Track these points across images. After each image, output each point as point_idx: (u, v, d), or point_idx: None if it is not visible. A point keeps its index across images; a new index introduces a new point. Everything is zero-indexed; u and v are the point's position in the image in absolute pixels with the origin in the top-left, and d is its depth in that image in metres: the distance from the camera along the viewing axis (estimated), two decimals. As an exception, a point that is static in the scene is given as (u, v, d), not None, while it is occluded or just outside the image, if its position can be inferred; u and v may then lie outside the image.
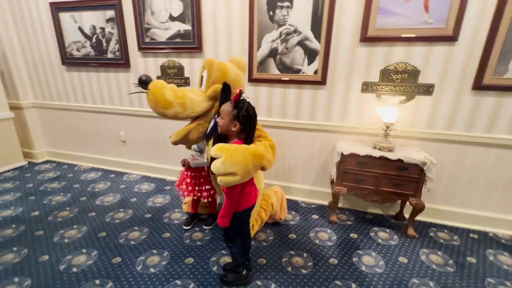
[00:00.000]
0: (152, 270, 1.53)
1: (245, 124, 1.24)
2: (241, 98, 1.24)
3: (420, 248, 1.76)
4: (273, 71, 2.07)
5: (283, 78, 2.06)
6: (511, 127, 1.75)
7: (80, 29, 2.48)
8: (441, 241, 1.84)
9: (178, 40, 2.22)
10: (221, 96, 1.45)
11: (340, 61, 1.92)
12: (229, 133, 1.28)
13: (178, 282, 1.45)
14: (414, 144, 1.94)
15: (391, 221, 2.06)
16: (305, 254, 1.68)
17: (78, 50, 2.57)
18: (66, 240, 1.77)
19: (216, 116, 1.49)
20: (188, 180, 1.77)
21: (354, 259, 1.64)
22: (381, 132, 1.85)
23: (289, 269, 1.56)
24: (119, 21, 2.33)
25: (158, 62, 2.38)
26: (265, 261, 1.62)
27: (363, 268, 1.58)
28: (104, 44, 2.47)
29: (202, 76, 1.57)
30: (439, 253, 1.72)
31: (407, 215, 2.03)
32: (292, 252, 1.70)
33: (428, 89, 1.82)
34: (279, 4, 1.91)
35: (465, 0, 1.59)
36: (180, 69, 2.33)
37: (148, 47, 2.33)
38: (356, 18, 1.80)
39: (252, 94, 2.19)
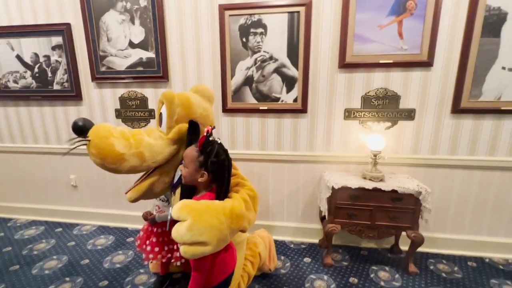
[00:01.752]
0: None
1: (215, 173, 0.98)
2: (210, 139, 1.00)
3: (425, 287, 1.59)
4: (250, 100, 1.90)
5: (261, 107, 1.89)
6: (491, 149, 1.75)
7: (19, 57, 2.11)
8: (444, 275, 1.69)
9: (140, 68, 1.97)
10: (188, 137, 1.18)
11: (320, 88, 1.82)
12: (196, 184, 1.02)
13: None
14: (401, 170, 1.85)
15: (388, 256, 1.89)
16: (304, 315, 1.40)
17: (15, 82, 2.16)
18: None
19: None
20: (154, 239, 1.42)
21: (361, 313, 1.40)
22: (369, 160, 1.73)
23: None
24: (68, 48, 2.01)
25: (116, 93, 2.07)
26: (257, 332, 1.30)
27: (373, 324, 1.34)
28: (49, 74, 2.11)
29: (160, 113, 1.27)
30: (446, 291, 1.56)
31: (402, 247, 1.89)
32: (289, 314, 1.41)
33: (409, 114, 1.78)
34: (252, 30, 1.79)
35: (436, 27, 1.62)
36: (143, 100, 2.05)
37: (104, 76, 2.03)
38: (333, 45, 1.74)
39: (227, 125, 1.98)
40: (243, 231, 1.02)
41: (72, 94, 2.11)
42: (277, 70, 1.83)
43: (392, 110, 1.79)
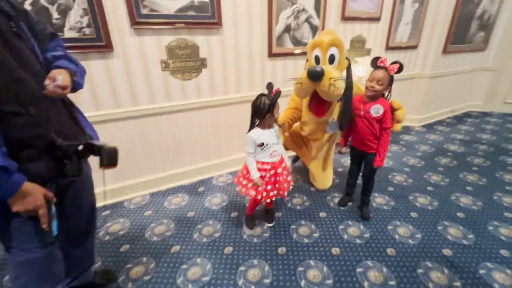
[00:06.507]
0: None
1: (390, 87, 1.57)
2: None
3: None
4: (288, 45, 2.36)
5: (295, 51, 2.40)
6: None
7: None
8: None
9: (192, 13, 1.87)
10: (348, 71, 1.69)
11: (330, 34, 2.56)
12: (379, 95, 1.55)
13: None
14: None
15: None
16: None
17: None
18: None
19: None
20: (282, 177, 1.59)
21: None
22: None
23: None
24: (90, -21, 1.53)
25: (162, 41, 1.86)
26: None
27: (385, 165, 2.57)
28: (56, 16, 1.52)
29: (332, 54, 1.62)
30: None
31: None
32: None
33: (368, 52, 2.92)
34: (291, -16, 2.16)
35: (384, -5, 2.70)
36: (195, 49, 1.98)
37: (146, 21, 1.75)
38: (338, 2, 2.47)
39: (271, 68, 2.36)
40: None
41: (99, 43, 1.66)
42: (307, 20, 2.36)
43: (363, 50, 2.86)
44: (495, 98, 4.10)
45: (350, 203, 1.97)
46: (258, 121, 1.46)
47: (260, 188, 1.52)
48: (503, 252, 1.51)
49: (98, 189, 1.23)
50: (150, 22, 1.76)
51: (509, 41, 3.73)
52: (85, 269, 1.24)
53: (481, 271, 1.39)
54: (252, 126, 1.49)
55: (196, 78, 2.07)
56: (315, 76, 1.49)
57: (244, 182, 1.57)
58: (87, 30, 1.62)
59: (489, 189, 2.12)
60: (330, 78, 1.51)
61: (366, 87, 1.56)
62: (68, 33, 1.58)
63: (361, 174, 1.86)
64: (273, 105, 1.40)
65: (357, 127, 1.68)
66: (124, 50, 1.77)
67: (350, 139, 1.82)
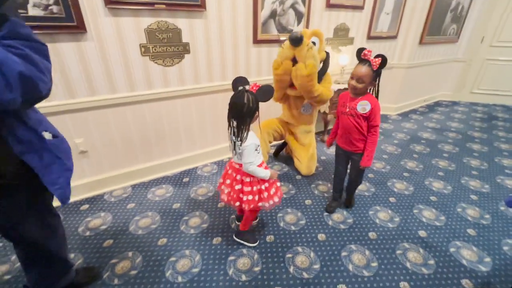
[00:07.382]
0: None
1: (377, 82, 1.44)
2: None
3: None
4: (273, 31, 2.30)
5: (281, 38, 2.36)
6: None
7: None
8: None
9: (173, -7, 1.74)
10: (326, 62, 1.82)
11: (315, 22, 2.53)
12: (363, 92, 1.42)
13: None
14: (345, 77, 3.11)
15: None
16: (342, 161, 2.49)
17: None
18: None
19: None
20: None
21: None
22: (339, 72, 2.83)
23: (348, 171, 2.34)
24: (55, -51, 1.35)
25: (140, 23, 1.72)
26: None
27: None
28: (16, -10, 1.34)
29: (314, 42, 1.83)
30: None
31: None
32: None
33: (351, 41, 2.95)
34: (277, -34, 2.08)
35: (368, -16, 2.70)
36: (177, 33, 1.86)
37: (122, 0, 1.60)
38: (324, -11, 2.44)
39: (256, 55, 2.30)
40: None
41: (69, 24, 1.50)
42: (293, 6, 2.30)
43: (346, 38, 2.87)
44: (463, 88, 4.38)
45: (338, 208, 1.86)
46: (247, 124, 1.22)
47: (278, 184, 1.47)
48: (470, 231, 1.66)
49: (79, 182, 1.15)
50: (126, 2, 1.62)
51: (478, 34, 3.95)
52: (64, 272, 1.17)
53: (452, 249, 1.52)
54: (244, 131, 1.21)
55: (178, 64, 1.96)
56: (295, 40, 1.66)
57: (264, 195, 1.37)
58: (54, 8, 1.45)
59: (458, 174, 2.29)
60: (307, 45, 1.72)
61: (348, 84, 1.46)
62: (32, 11, 1.40)
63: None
64: (257, 102, 1.21)
65: (343, 125, 1.56)
66: (98, 32, 1.62)
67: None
